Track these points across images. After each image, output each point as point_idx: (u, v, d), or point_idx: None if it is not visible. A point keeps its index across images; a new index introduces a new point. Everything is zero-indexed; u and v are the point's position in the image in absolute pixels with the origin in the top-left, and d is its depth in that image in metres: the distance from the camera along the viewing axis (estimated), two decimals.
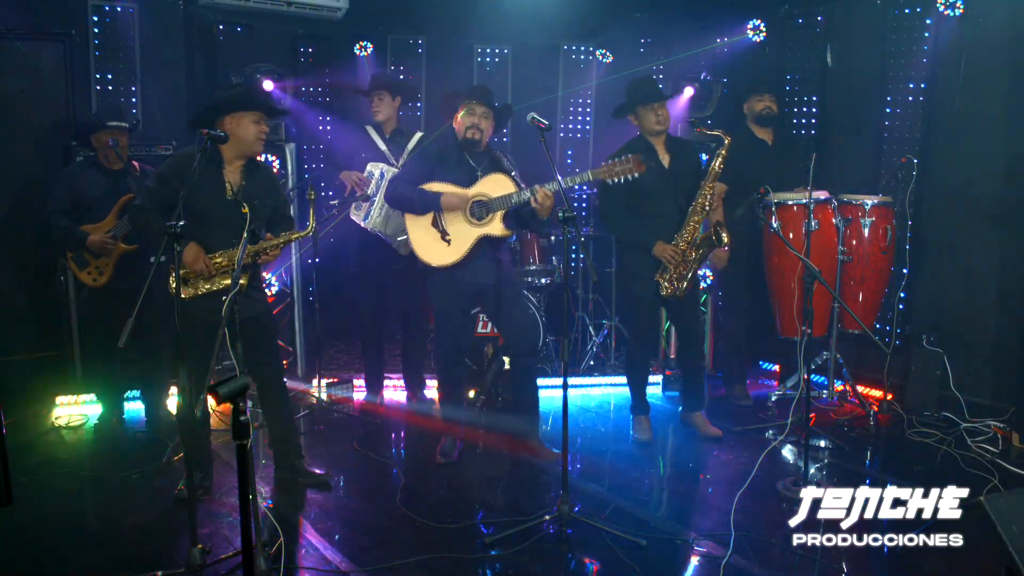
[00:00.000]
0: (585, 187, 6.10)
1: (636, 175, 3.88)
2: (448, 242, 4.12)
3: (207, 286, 3.61)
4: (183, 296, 3.44)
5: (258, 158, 3.84)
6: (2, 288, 5.32)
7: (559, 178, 3.65)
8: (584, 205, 6.83)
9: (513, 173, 4.10)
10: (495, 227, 4.08)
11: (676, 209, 4.46)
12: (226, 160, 3.68)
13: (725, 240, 4.25)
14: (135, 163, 4.75)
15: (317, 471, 4.03)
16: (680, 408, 4.88)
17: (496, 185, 4.09)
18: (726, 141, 4.28)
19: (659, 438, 4.73)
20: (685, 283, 4.36)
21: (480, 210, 4.09)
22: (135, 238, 4.60)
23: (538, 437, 4.39)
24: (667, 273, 4.38)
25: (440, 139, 4.28)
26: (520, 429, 4.41)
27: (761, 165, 5.06)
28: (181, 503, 3.68)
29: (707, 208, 4.34)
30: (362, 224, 4.88)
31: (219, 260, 3.62)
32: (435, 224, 4.16)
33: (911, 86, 5.24)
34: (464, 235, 4.12)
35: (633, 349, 4.73)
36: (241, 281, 3.51)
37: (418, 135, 5.18)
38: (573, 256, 6.17)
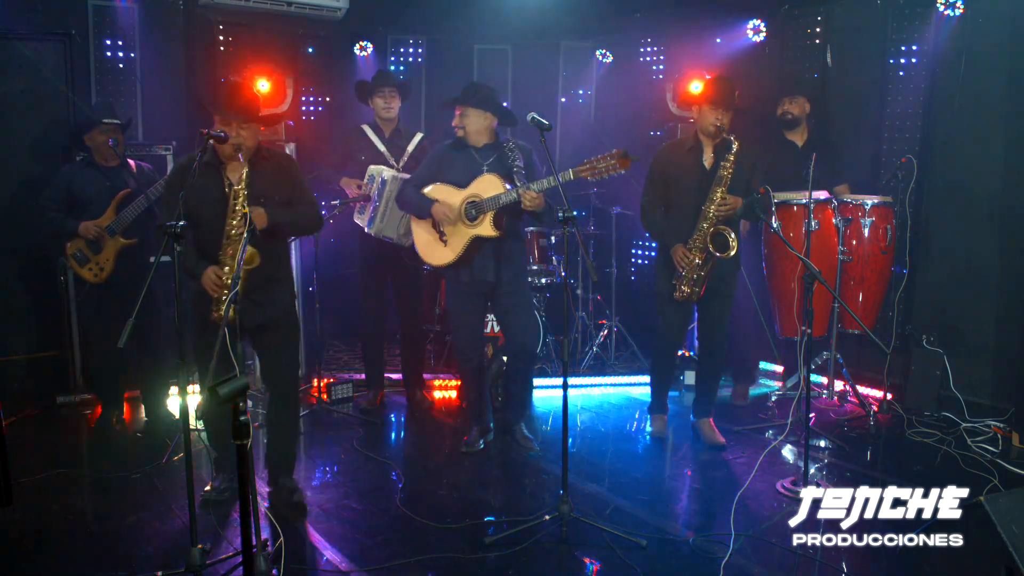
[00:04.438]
0: (589, 188, 6.08)
1: (623, 172, 3.79)
2: (445, 243, 4.24)
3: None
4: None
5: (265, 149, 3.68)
6: (2, 288, 5.32)
7: (556, 172, 3.66)
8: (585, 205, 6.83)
9: (518, 169, 4.08)
10: (485, 228, 4.13)
11: None
12: (225, 159, 3.56)
13: (732, 249, 4.11)
14: (131, 161, 4.76)
15: (300, 493, 3.75)
16: (692, 415, 4.75)
17: (488, 185, 4.13)
18: (734, 146, 4.20)
19: (660, 437, 4.71)
20: (698, 288, 4.26)
21: (473, 211, 4.15)
22: (134, 232, 4.60)
23: (520, 427, 4.44)
24: (682, 276, 4.29)
25: (446, 144, 4.36)
26: (504, 419, 4.45)
27: (788, 167, 4.99)
28: (208, 504, 3.67)
29: (718, 215, 4.15)
30: (367, 230, 4.86)
31: (228, 272, 3.44)
32: (435, 225, 4.29)
33: (911, 86, 5.24)
34: (458, 236, 4.21)
35: (658, 347, 4.64)
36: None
37: (419, 136, 5.16)
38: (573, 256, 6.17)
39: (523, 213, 4.14)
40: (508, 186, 4.08)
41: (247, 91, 3.63)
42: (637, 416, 5.20)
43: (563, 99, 7.03)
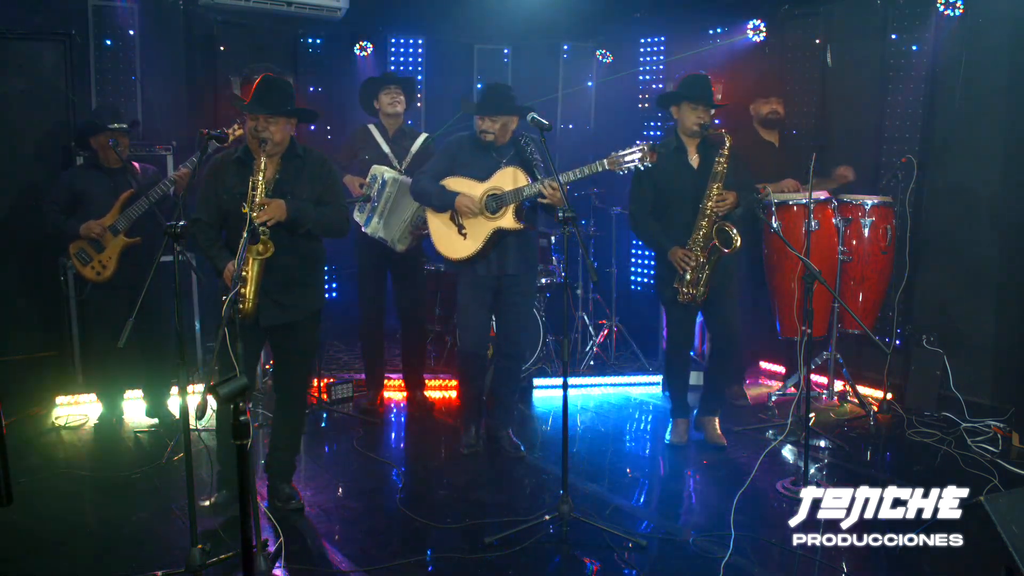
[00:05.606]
0: (589, 188, 6.09)
1: (648, 164, 3.87)
2: (464, 235, 4.21)
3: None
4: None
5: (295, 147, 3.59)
6: (2, 288, 5.31)
7: (556, 173, 3.69)
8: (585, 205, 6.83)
9: (536, 162, 4.11)
10: (507, 220, 4.13)
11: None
12: (256, 155, 3.45)
13: (736, 242, 4.10)
14: (135, 164, 4.77)
15: (298, 501, 3.72)
16: (695, 412, 4.72)
17: (510, 178, 4.13)
18: (727, 142, 4.19)
19: (660, 437, 4.72)
20: (701, 288, 4.25)
21: (494, 203, 4.14)
22: (137, 231, 4.60)
23: (507, 433, 4.44)
24: (685, 278, 4.27)
25: (462, 137, 4.33)
26: (490, 425, 4.45)
27: (768, 167, 5.03)
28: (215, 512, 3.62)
29: (716, 211, 4.18)
30: (363, 228, 4.87)
31: (245, 272, 3.33)
32: (452, 219, 4.25)
33: (911, 86, 5.24)
34: (479, 228, 4.18)
35: (669, 353, 4.65)
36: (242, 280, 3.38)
37: (423, 136, 5.17)
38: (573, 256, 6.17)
39: (536, 207, 4.17)
40: (530, 179, 4.08)
41: (276, 86, 3.50)
42: (637, 416, 5.21)
43: (563, 99, 7.02)
